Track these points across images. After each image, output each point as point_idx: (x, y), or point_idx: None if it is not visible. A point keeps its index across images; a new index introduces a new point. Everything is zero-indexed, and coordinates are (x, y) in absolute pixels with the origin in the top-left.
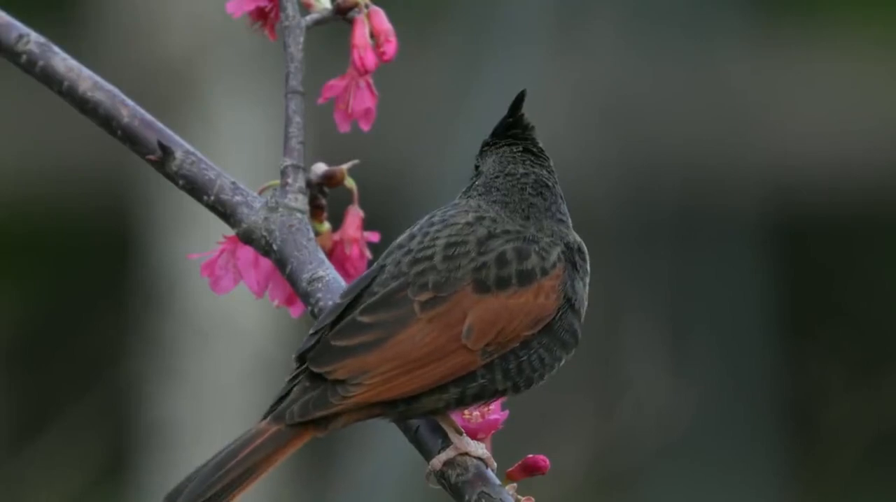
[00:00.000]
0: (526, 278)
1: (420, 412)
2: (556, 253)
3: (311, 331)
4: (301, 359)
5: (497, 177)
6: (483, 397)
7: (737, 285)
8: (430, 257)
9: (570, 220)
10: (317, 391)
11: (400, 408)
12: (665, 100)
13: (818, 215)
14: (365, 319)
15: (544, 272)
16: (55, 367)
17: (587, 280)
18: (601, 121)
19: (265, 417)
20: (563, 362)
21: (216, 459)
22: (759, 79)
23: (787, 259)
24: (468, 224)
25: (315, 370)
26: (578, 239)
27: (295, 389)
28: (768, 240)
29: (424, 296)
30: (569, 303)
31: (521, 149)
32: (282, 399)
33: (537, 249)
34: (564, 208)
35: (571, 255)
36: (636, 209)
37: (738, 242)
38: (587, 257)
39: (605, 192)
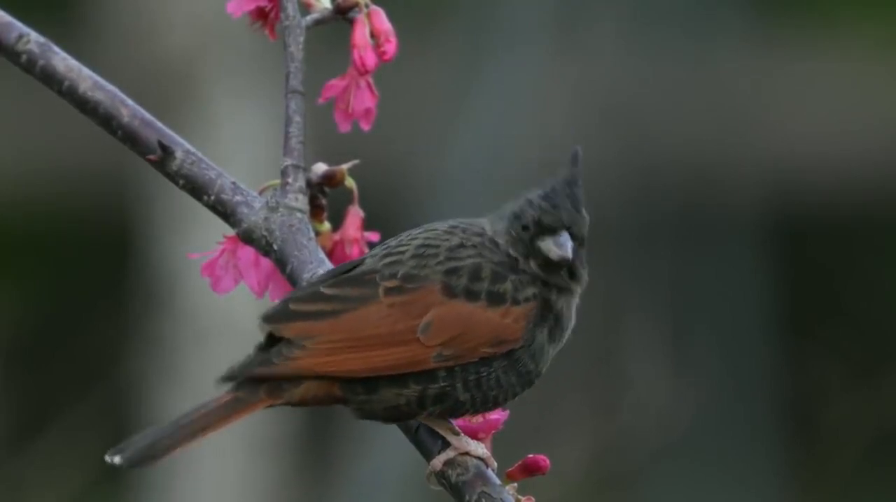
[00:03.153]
0: (496, 299)
1: (382, 406)
2: (531, 291)
3: (282, 299)
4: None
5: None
6: (444, 403)
7: (737, 285)
8: (402, 253)
9: (563, 281)
10: (265, 352)
11: (360, 396)
12: (665, 100)
13: (818, 215)
14: (328, 291)
15: (515, 301)
16: (55, 367)
17: (556, 346)
18: (601, 121)
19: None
20: (515, 396)
21: (169, 421)
22: (759, 79)
23: (787, 259)
24: (444, 231)
25: (266, 326)
26: (562, 307)
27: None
28: (768, 240)
29: (391, 283)
30: (526, 343)
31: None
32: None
33: (513, 278)
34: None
35: (546, 310)
36: (636, 209)
37: (738, 242)
38: (565, 326)
39: (605, 192)
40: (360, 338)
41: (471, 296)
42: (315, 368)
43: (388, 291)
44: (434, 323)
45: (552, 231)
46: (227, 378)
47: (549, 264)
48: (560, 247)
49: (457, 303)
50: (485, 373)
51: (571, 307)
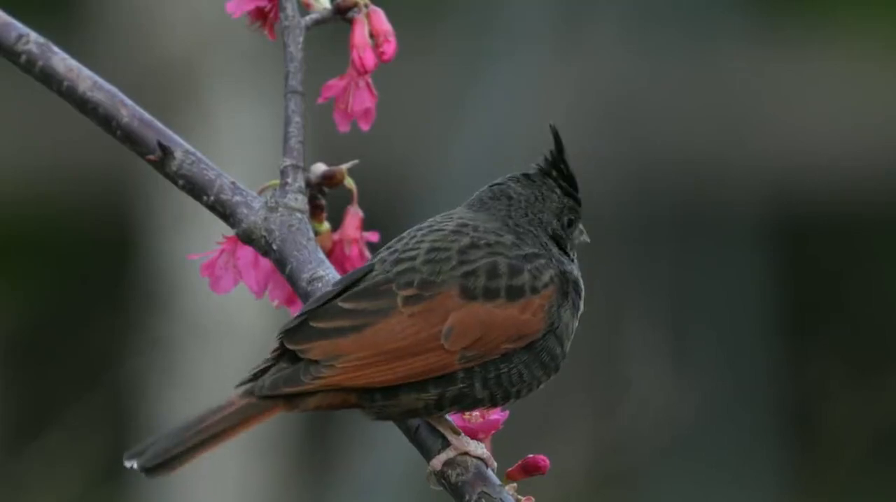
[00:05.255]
0: (515, 293)
1: (399, 410)
2: (548, 275)
3: (297, 313)
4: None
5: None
6: (462, 403)
7: (737, 285)
8: (413, 258)
9: (570, 251)
10: (290, 368)
11: (378, 403)
12: (666, 100)
13: (819, 215)
14: (346, 305)
15: (534, 290)
16: (55, 367)
17: (577, 315)
18: (602, 120)
19: (238, 387)
20: (541, 385)
21: (182, 424)
22: (760, 79)
23: (787, 259)
24: (452, 232)
25: (289, 346)
26: (578, 274)
27: (273, 366)
28: (768, 240)
29: (409, 292)
30: (552, 327)
31: (522, 173)
32: (257, 374)
33: (530, 268)
34: (555, 232)
35: (565, 285)
36: (637, 209)
37: (738, 242)
38: (582, 294)
39: (606, 192)
40: (385, 352)
41: (489, 294)
42: (342, 383)
43: (407, 301)
44: (455, 327)
45: (578, 221)
46: (254, 394)
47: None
48: (584, 233)
49: (475, 305)
50: (505, 370)
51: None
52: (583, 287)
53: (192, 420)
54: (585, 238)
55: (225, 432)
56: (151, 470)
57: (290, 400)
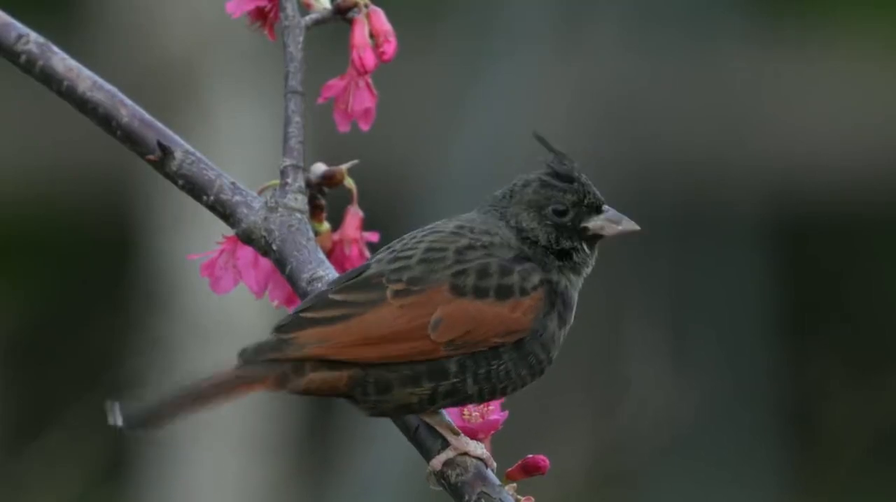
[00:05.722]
0: (504, 292)
1: (393, 405)
2: (536, 279)
3: (292, 311)
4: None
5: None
6: (453, 398)
7: (737, 285)
8: (409, 257)
9: (573, 261)
10: (277, 339)
11: (371, 397)
12: (666, 99)
13: (819, 215)
14: (337, 297)
15: (523, 292)
16: (55, 367)
17: (565, 327)
18: (602, 121)
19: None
20: (525, 386)
21: (170, 389)
22: (761, 79)
23: (787, 259)
24: (451, 233)
25: (279, 336)
26: (566, 285)
27: None
28: (768, 239)
29: (399, 286)
30: (538, 333)
31: (522, 180)
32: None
33: (520, 269)
34: (559, 239)
35: (553, 295)
36: (637, 209)
37: (738, 242)
38: (571, 306)
39: (606, 192)
40: (372, 338)
41: (479, 292)
42: (327, 354)
43: (397, 293)
44: (444, 320)
45: (598, 209)
46: (240, 356)
47: (594, 241)
48: (619, 221)
49: (465, 301)
50: (495, 366)
51: (576, 286)
52: (571, 301)
53: (181, 385)
54: (623, 227)
55: (212, 396)
56: (133, 426)
57: (280, 378)
